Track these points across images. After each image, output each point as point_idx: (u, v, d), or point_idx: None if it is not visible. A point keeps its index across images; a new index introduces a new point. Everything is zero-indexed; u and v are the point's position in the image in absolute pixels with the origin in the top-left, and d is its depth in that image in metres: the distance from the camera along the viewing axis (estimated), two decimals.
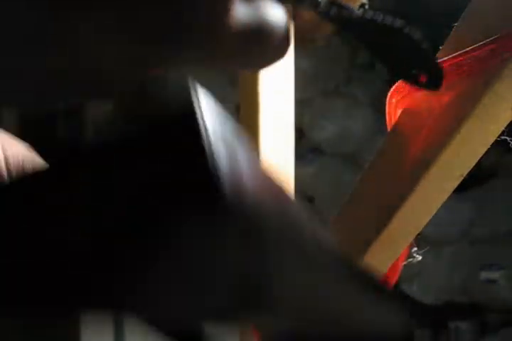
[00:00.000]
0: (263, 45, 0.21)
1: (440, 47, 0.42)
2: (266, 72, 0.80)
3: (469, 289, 2.51)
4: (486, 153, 0.42)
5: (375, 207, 0.46)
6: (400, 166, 0.44)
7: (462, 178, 0.43)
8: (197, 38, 0.19)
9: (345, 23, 0.28)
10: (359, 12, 0.28)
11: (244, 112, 0.83)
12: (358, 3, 0.81)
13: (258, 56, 0.22)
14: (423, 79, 0.29)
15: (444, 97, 0.41)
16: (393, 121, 0.44)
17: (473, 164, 0.43)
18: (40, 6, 0.18)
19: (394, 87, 0.43)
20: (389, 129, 0.45)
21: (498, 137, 0.41)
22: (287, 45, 0.22)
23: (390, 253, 0.48)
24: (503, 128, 0.41)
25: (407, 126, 0.44)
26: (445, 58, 0.39)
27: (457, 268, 2.51)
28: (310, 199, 2.49)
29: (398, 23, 0.28)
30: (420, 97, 0.43)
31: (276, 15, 0.22)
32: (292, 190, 0.82)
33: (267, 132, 0.78)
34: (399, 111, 0.44)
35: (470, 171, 0.43)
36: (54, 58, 0.19)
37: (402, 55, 0.28)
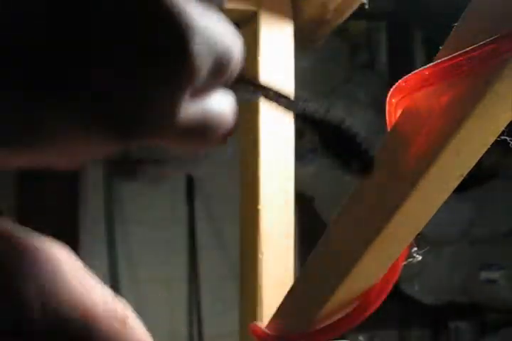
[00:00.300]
0: (205, 139, 0.24)
1: (440, 47, 0.42)
2: (266, 71, 0.80)
3: (469, 289, 2.52)
4: (486, 153, 0.42)
5: (375, 207, 0.46)
6: (399, 166, 0.44)
7: (462, 178, 0.43)
8: (146, 130, 0.22)
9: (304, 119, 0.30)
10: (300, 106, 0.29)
11: (244, 112, 0.83)
12: (358, 3, 0.81)
13: (200, 145, 0.25)
14: (356, 167, 0.31)
15: (444, 97, 0.41)
16: (393, 121, 0.44)
17: (473, 164, 0.43)
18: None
19: (394, 87, 0.43)
20: (389, 129, 0.45)
21: (498, 137, 0.41)
22: (230, 135, 0.25)
23: (390, 253, 0.48)
24: (503, 128, 0.41)
25: (407, 126, 0.44)
26: (445, 58, 0.39)
27: (457, 268, 2.51)
28: (310, 200, 2.49)
29: (336, 118, 0.29)
30: (420, 97, 0.43)
31: (224, 110, 0.25)
32: (292, 190, 0.82)
33: (267, 132, 0.79)
34: (399, 111, 0.44)
35: (470, 171, 0.43)
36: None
37: (336, 142, 0.30)
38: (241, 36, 0.25)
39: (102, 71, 0.21)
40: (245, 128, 0.81)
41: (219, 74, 0.24)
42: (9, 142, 0.21)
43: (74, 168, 0.24)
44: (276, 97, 0.29)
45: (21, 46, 0.20)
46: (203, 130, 0.24)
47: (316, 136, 0.29)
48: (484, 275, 2.47)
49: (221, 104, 0.25)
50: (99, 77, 0.21)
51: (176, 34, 0.21)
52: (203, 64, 0.22)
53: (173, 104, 0.22)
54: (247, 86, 0.29)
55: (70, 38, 0.20)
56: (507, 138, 0.42)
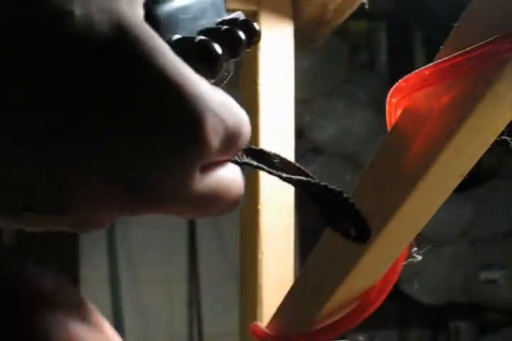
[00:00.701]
0: (216, 208, 0.26)
1: (440, 47, 0.42)
2: (266, 71, 0.80)
3: (469, 289, 2.52)
4: (486, 153, 0.42)
5: (375, 207, 0.46)
6: (400, 166, 0.44)
7: (462, 178, 0.43)
8: (161, 200, 0.24)
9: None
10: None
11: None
12: (358, 3, 0.81)
13: (211, 213, 0.26)
14: (353, 233, 0.32)
15: (444, 97, 0.41)
16: (393, 121, 0.44)
17: (473, 164, 0.43)
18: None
19: (394, 87, 0.43)
20: (389, 129, 0.45)
21: (498, 137, 0.41)
22: (238, 203, 0.27)
23: (390, 253, 0.48)
24: (503, 128, 0.41)
25: (407, 126, 0.44)
26: (445, 58, 0.39)
27: (457, 268, 2.51)
28: None
29: (336, 189, 0.32)
30: (420, 97, 0.43)
31: (234, 179, 0.27)
32: (292, 190, 0.82)
33: (267, 132, 0.79)
34: (399, 111, 0.44)
35: (470, 171, 0.43)
36: None
37: (335, 211, 0.32)
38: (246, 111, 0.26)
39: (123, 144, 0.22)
40: None
41: (230, 147, 0.25)
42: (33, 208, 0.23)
43: (82, 232, 0.26)
44: (281, 167, 0.30)
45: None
46: (215, 199, 0.25)
47: (317, 206, 0.31)
48: (484, 275, 2.47)
49: (231, 173, 0.26)
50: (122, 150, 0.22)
51: (190, 111, 0.22)
52: (216, 139, 0.23)
53: (186, 175, 0.24)
54: (253, 155, 0.30)
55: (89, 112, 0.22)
56: (507, 138, 0.41)
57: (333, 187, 0.31)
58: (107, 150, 0.22)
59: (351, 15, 0.84)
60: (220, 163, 0.26)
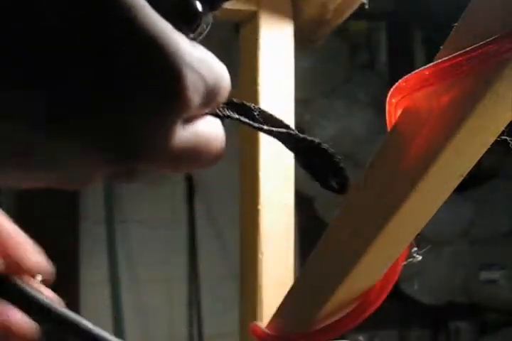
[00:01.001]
0: (196, 162, 0.26)
1: (440, 47, 0.42)
2: (266, 71, 0.80)
3: (469, 289, 2.52)
4: (486, 153, 0.42)
5: (375, 207, 0.46)
6: (399, 166, 0.44)
7: (462, 178, 0.43)
8: (142, 154, 0.24)
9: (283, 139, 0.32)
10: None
11: None
12: (358, 3, 0.81)
13: (191, 167, 0.27)
14: (334, 184, 0.33)
15: (444, 97, 0.41)
16: (393, 121, 0.44)
17: (473, 164, 0.43)
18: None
19: (394, 87, 0.43)
20: (389, 129, 0.45)
21: (498, 137, 0.41)
22: (219, 157, 0.27)
23: (390, 253, 0.48)
24: (503, 128, 0.41)
25: (407, 126, 0.44)
26: (445, 58, 0.39)
27: (457, 268, 2.51)
28: (310, 200, 2.49)
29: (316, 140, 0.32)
30: (420, 97, 0.43)
31: (214, 133, 0.27)
32: (292, 190, 0.82)
33: None
34: (399, 111, 0.44)
35: (470, 171, 0.43)
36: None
37: (315, 162, 0.33)
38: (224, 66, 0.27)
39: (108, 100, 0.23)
40: (245, 129, 0.81)
41: (210, 102, 0.26)
42: (22, 163, 0.23)
43: (74, 188, 0.26)
44: (262, 120, 0.31)
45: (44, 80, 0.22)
46: (195, 153, 0.26)
47: (297, 156, 0.31)
48: (484, 275, 2.47)
49: (211, 127, 0.27)
50: (106, 105, 0.23)
51: (169, 67, 0.23)
52: (195, 94, 0.24)
53: (168, 130, 0.24)
54: (234, 108, 0.30)
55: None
56: (507, 138, 0.41)
57: (313, 138, 0.31)
58: (93, 106, 0.22)
59: (351, 15, 0.84)
60: (199, 117, 0.26)
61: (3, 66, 0.21)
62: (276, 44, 0.80)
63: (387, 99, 0.44)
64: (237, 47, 0.85)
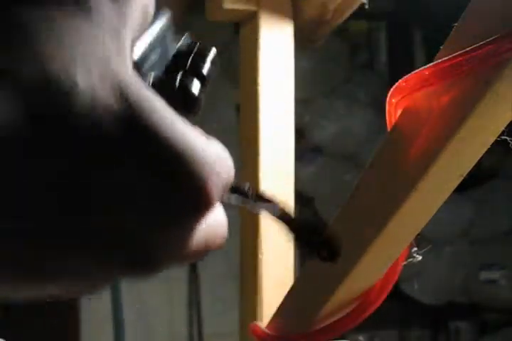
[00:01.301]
0: (203, 255, 0.27)
1: (440, 47, 0.42)
2: (266, 71, 0.80)
3: (469, 289, 2.52)
4: (486, 153, 0.42)
5: (375, 207, 0.46)
6: (400, 166, 0.44)
7: (462, 178, 0.43)
8: (160, 266, 0.24)
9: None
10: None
11: (244, 112, 0.83)
12: (358, 3, 0.81)
13: (199, 257, 0.27)
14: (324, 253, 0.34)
15: (444, 97, 0.41)
16: (393, 121, 0.44)
17: (473, 164, 0.43)
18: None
19: (394, 87, 0.43)
20: (389, 129, 0.45)
21: (498, 137, 0.41)
22: (223, 245, 0.28)
23: (390, 253, 0.48)
24: (503, 128, 0.41)
25: (407, 126, 0.44)
26: (445, 58, 0.39)
27: (457, 268, 2.51)
28: (310, 200, 2.49)
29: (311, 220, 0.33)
30: (420, 97, 0.43)
31: (221, 223, 0.27)
32: (292, 190, 0.82)
33: (267, 132, 0.79)
34: (399, 111, 0.44)
35: (470, 171, 0.43)
36: None
37: (308, 235, 0.33)
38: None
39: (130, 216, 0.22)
40: (245, 128, 0.81)
41: (223, 194, 0.25)
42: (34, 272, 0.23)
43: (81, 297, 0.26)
44: (258, 202, 0.32)
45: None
46: (205, 249, 0.26)
47: (290, 231, 0.32)
48: (484, 275, 2.47)
49: (217, 216, 0.27)
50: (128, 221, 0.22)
51: (195, 179, 0.23)
52: (217, 195, 0.24)
53: (187, 239, 0.24)
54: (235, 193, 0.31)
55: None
56: (507, 138, 0.42)
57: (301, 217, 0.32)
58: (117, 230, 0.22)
59: (351, 15, 0.84)
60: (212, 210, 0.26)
61: None
62: (276, 44, 0.80)
63: (387, 99, 0.44)
64: (237, 47, 0.85)
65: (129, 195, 0.22)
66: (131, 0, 0.24)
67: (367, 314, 0.50)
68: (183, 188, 0.23)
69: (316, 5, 0.82)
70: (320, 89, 2.36)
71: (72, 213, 0.21)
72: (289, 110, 0.81)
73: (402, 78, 0.42)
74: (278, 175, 0.78)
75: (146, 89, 0.22)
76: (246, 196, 0.31)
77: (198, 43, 0.28)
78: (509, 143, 0.41)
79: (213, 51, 0.28)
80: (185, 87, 0.26)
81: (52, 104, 0.20)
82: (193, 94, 0.26)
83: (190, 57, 0.27)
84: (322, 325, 0.51)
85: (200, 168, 0.23)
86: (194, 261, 0.27)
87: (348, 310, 0.51)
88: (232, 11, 0.79)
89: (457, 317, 2.61)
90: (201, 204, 0.23)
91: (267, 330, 0.57)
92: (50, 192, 0.20)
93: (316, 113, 2.35)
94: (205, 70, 0.27)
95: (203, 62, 0.27)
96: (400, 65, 2.51)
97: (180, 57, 0.27)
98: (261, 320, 0.72)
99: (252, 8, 0.79)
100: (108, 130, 0.21)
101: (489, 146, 0.42)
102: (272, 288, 0.75)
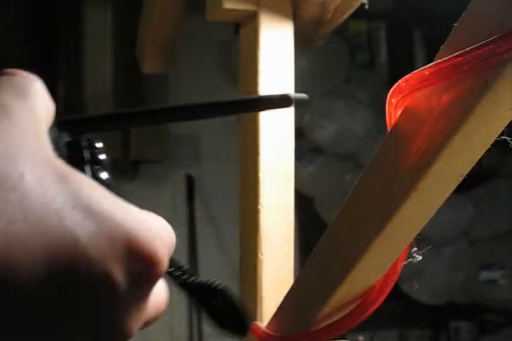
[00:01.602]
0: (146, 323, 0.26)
1: (440, 47, 0.42)
2: (266, 71, 0.80)
3: (469, 289, 2.52)
4: (486, 153, 0.42)
5: (375, 207, 0.46)
6: (399, 166, 0.44)
7: (462, 178, 0.43)
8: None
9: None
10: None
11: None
12: (358, 3, 0.81)
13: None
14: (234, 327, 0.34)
15: (444, 97, 0.41)
16: (393, 121, 0.44)
17: (473, 164, 0.43)
18: None
19: (394, 87, 0.43)
20: (389, 129, 0.45)
21: (498, 137, 0.41)
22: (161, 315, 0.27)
23: (390, 253, 0.48)
24: (503, 128, 0.41)
25: (407, 126, 0.44)
26: (445, 58, 0.40)
27: (457, 268, 2.51)
28: (310, 200, 2.49)
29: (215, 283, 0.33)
30: (420, 97, 0.43)
31: (163, 294, 0.27)
32: (292, 190, 0.82)
33: (267, 132, 0.79)
34: (399, 111, 0.44)
35: (470, 171, 0.43)
36: None
37: (219, 309, 0.34)
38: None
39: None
40: (245, 128, 0.81)
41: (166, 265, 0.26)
42: None
43: None
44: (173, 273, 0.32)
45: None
46: (149, 321, 0.26)
47: (198, 301, 0.32)
48: (484, 275, 2.47)
49: (161, 290, 0.27)
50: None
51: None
52: (163, 269, 0.24)
53: (138, 319, 0.24)
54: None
55: None
56: (507, 138, 0.42)
57: (208, 280, 0.32)
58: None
59: (351, 15, 0.84)
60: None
61: None
62: (276, 44, 0.80)
63: (387, 99, 0.44)
64: (237, 47, 0.85)
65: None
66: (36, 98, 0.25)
67: (367, 314, 0.50)
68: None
69: (316, 5, 0.82)
70: (320, 89, 2.36)
71: None
72: (289, 110, 0.81)
73: (402, 78, 0.42)
74: (278, 175, 0.78)
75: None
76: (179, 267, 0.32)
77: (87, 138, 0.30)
78: (509, 143, 0.41)
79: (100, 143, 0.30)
80: (99, 178, 0.28)
81: None
82: (107, 181, 0.28)
83: (88, 151, 0.29)
84: (322, 325, 0.51)
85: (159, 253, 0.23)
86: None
87: (348, 310, 0.51)
88: (232, 11, 0.79)
89: (457, 317, 2.61)
90: (156, 277, 0.23)
91: (267, 330, 0.57)
92: None
93: (316, 113, 2.35)
94: (103, 157, 0.30)
95: (100, 152, 0.30)
96: (400, 65, 2.51)
97: (75, 149, 0.30)
98: (261, 320, 0.72)
99: (252, 8, 0.79)
100: None
101: (489, 146, 0.42)
102: (272, 288, 0.75)
